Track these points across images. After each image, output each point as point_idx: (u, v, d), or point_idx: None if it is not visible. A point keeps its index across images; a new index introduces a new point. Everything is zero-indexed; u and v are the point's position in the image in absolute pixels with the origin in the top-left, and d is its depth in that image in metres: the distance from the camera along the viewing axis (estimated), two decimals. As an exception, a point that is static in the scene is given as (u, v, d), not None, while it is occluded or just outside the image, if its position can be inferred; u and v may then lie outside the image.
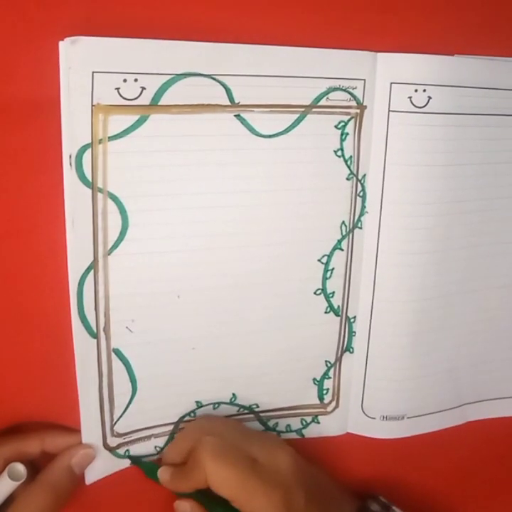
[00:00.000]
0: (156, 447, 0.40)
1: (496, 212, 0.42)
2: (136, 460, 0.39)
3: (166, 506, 0.41)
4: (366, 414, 0.44)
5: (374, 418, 0.44)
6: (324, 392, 0.43)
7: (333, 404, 0.44)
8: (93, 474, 0.38)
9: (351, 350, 0.43)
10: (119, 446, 0.39)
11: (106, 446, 0.38)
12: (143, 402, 0.39)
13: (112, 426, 0.38)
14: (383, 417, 0.43)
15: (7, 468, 0.35)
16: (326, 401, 0.44)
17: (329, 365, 0.43)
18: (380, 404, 0.43)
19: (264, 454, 0.37)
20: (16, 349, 0.35)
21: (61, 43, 0.31)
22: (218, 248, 0.37)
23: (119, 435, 0.38)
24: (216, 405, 0.41)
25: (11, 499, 0.35)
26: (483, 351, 0.45)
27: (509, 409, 0.48)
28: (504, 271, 0.44)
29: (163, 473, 0.38)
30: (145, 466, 0.39)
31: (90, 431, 0.37)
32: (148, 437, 0.40)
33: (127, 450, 0.39)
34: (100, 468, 0.38)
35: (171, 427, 0.40)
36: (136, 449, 0.39)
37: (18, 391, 0.36)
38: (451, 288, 0.43)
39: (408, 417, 0.44)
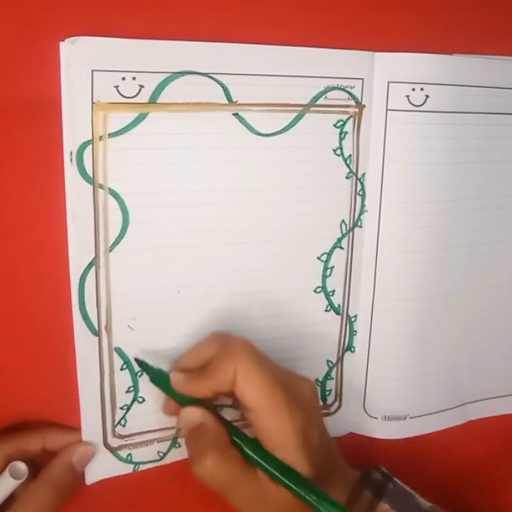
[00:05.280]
0: (159, 452, 0.40)
1: (495, 211, 0.42)
2: (141, 363, 0.37)
3: (167, 507, 0.41)
4: (368, 414, 0.44)
5: (376, 418, 0.43)
6: (327, 393, 0.43)
7: (336, 404, 0.44)
8: (93, 474, 0.38)
9: (353, 349, 0.43)
10: (120, 447, 0.38)
11: (106, 445, 0.38)
12: (145, 402, 0.38)
13: (114, 427, 0.38)
14: (385, 417, 0.43)
15: (8, 466, 0.35)
16: (328, 402, 0.43)
17: (331, 365, 0.42)
18: (382, 404, 0.43)
19: (289, 377, 0.35)
20: (17, 347, 0.35)
21: (62, 43, 0.31)
22: (217, 244, 0.37)
23: (121, 437, 0.38)
24: (219, 408, 0.40)
25: (12, 498, 0.35)
26: (484, 350, 0.45)
27: (509, 407, 0.47)
28: (504, 269, 0.44)
29: (177, 375, 0.35)
30: (151, 371, 0.37)
31: (90, 429, 0.37)
32: (151, 441, 0.39)
33: (130, 454, 0.39)
34: (100, 467, 0.38)
35: (174, 431, 0.40)
36: (139, 454, 0.39)
37: (19, 389, 0.36)
38: (452, 287, 0.43)
39: (411, 417, 0.43)
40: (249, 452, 0.34)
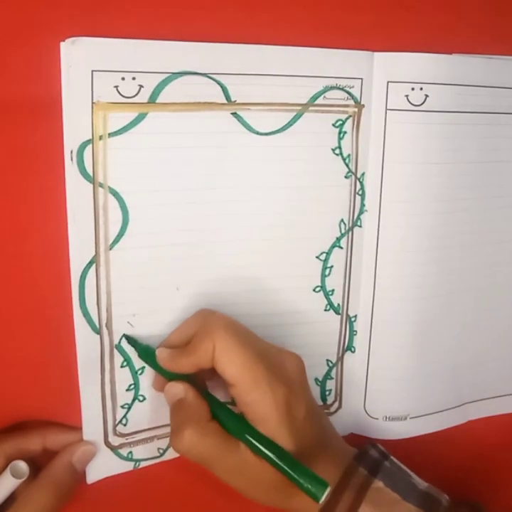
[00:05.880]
0: (159, 449, 0.40)
1: (495, 211, 0.42)
2: (130, 340, 0.37)
3: (167, 502, 0.41)
4: (369, 415, 0.43)
5: (377, 419, 0.43)
6: (327, 393, 0.43)
7: (336, 404, 0.44)
8: (94, 473, 0.38)
9: (353, 349, 0.43)
10: (121, 446, 0.39)
11: (107, 444, 0.38)
12: (146, 401, 0.39)
13: (115, 425, 0.38)
14: (386, 418, 0.43)
15: (9, 466, 0.35)
16: (328, 402, 0.43)
17: (331, 364, 0.42)
18: (382, 404, 0.43)
19: (273, 351, 0.35)
20: (17, 346, 0.36)
21: (62, 44, 0.32)
22: (216, 242, 0.37)
23: (122, 435, 0.38)
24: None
25: (13, 497, 0.35)
26: (484, 350, 0.45)
27: (508, 407, 0.47)
28: (504, 269, 0.44)
29: (162, 351, 0.36)
30: (139, 347, 0.37)
31: (91, 428, 0.37)
32: (152, 439, 0.39)
33: (130, 452, 0.39)
34: (101, 466, 0.38)
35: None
36: (139, 451, 0.39)
37: (20, 388, 0.36)
38: (452, 286, 0.43)
39: (411, 417, 0.43)
40: (230, 426, 0.34)
